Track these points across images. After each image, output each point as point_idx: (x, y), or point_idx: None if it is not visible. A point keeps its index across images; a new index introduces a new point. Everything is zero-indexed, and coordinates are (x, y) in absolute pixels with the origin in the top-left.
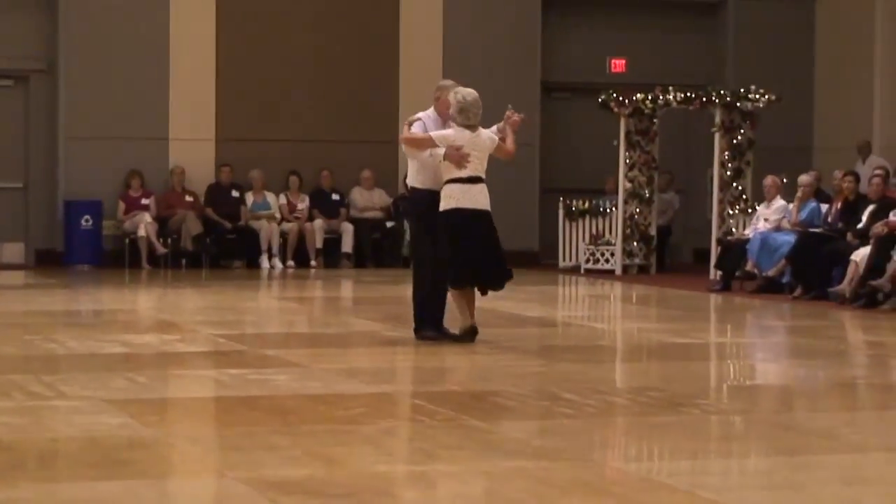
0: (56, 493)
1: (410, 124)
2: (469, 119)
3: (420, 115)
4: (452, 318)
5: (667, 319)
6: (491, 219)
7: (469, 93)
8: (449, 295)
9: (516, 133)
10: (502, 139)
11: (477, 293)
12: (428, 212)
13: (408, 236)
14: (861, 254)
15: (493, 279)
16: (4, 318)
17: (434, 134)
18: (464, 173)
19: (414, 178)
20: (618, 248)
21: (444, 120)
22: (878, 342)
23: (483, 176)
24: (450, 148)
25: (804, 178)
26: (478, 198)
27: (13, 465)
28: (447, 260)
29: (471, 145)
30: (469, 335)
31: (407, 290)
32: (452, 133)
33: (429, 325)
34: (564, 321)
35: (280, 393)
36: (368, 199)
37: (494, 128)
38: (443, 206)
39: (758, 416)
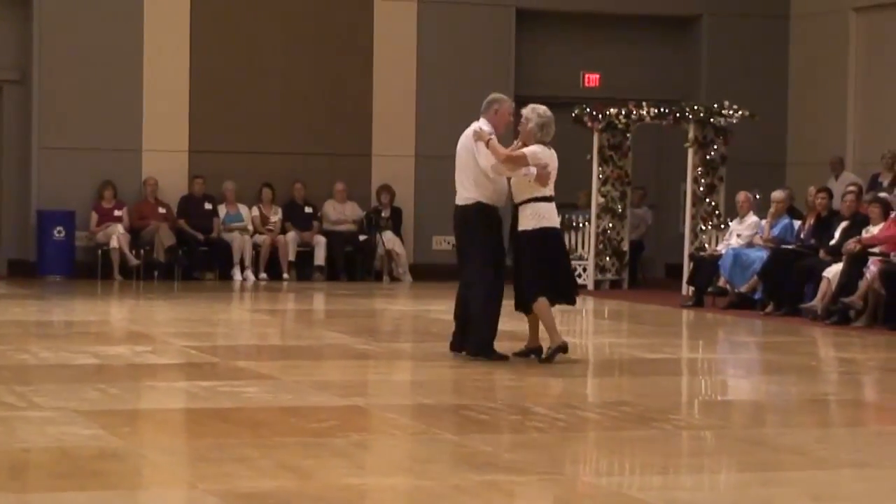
0: None
1: (489, 139)
2: (549, 135)
3: (484, 127)
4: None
5: (639, 334)
6: (563, 236)
7: (546, 109)
8: (540, 311)
9: None
10: None
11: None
12: (494, 228)
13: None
14: (833, 270)
15: (568, 295)
16: None
17: (527, 152)
18: (546, 192)
19: (482, 193)
20: (590, 263)
21: (498, 132)
22: (850, 359)
23: None
24: (541, 168)
25: (777, 195)
26: (556, 217)
27: None
28: (536, 279)
29: (552, 163)
30: (560, 350)
31: (378, 304)
32: (540, 150)
33: (488, 345)
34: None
35: (252, 405)
36: (341, 212)
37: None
38: (532, 224)
39: (729, 431)
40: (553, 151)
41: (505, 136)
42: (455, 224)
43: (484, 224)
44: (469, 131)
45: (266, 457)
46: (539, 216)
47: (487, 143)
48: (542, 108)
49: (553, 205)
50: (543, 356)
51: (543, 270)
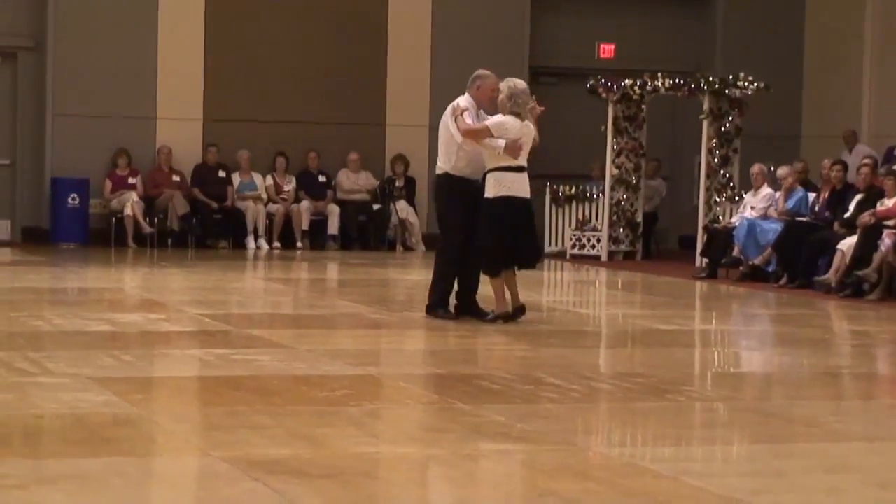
0: (41, 470)
1: (461, 114)
2: (518, 106)
3: (462, 102)
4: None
5: (652, 306)
6: (532, 206)
7: (519, 81)
8: (490, 279)
9: (537, 124)
10: None
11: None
12: (465, 199)
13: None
14: (847, 243)
15: (527, 260)
16: None
17: (491, 123)
18: (514, 162)
19: (451, 164)
20: (604, 234)
21: (480, 108)
22: (863, 332)
23: (526, 164)
24: (510, 140)
25: (782, 172)
26: (524, 186)
27: None
28: (490, 246)
29: (521, 134)
30: (503, 318)
31: (391, 273)
32: (509, 121)
33: (444, 304)
34: (549, 306)
35: (265, 373)
36: (355, 182)
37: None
38: (493, 192)
39: (742, 403)
40: (527, 122)
41: (492, 113)
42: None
43: (449, 193)
44: (449, 107)
45: (279, 425)
46: (500, 184)
47: (458, 118)
48: (515, 81)
49: (521, 175)
50: (488, 317)
51: (500, 237)
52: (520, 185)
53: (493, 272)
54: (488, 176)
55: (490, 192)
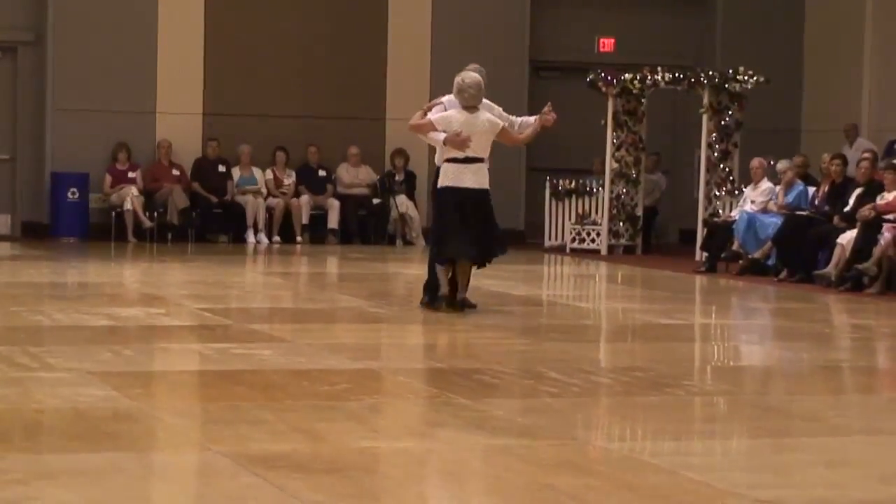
0: (41, 464)
1: (429, 109)
2: (466, 100)
3: (443, 99)
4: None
5: (652, 300)
6: (486, 197)
7: (469, 75)
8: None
9: (541, 129)
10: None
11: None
12: None
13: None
14: (847, 237)
15: (477, 255)
16: None
17: (435, 118)
18: (460, 154)
19: (439, 159)
20: (604, 228)
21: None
22: (863, 325)
23: (481, 156)
24: (451, 133)
25: (782, 166)
26: (471, 177)
27: None
28: (435, 236)
29: (467, 127)
30: (461, 304)
31: (391, 268)
32: (453, 115)
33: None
34: (550, 300)
35: (265, 368)
36: (355, 176)
37: (532, 118)
38: (440, 183)
39: (742, 397)
40: (477, 115)
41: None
42: None
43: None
44: None
45: (279, 419)
46: (445, 175)
47: (428, 111)
48: (465, 75)
49: (469, 166)
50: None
51: (444, 227)
52: (466, 176)
53: (438, 260)
54: (440, 168)
55: (439, 183)
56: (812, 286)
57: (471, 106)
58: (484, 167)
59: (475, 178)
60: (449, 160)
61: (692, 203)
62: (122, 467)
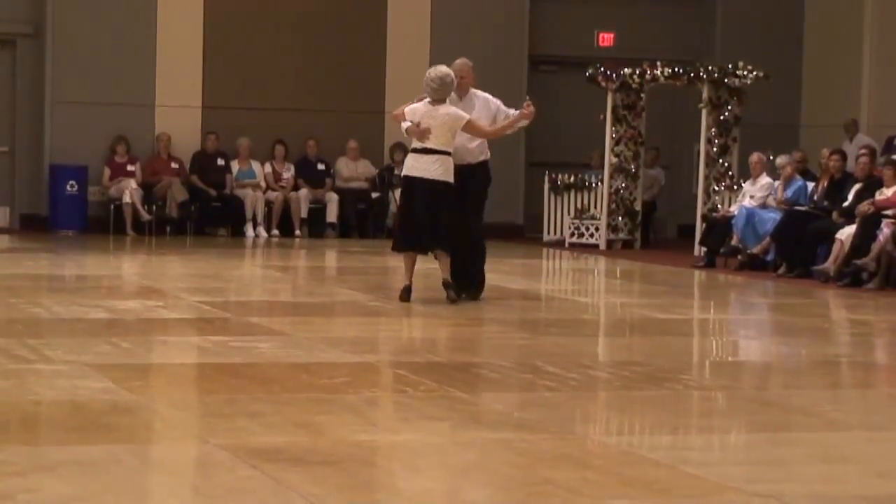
0: (39, 457)
1: (420, 100)
2: (431, 93)
3: None
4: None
5: (650, 294)
6: (442, 188)
7: (437, 69)
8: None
9: (517, 124)
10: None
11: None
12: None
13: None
14: (846, 232)
15: (427, 246)
16: None
17: (406, 109)
18: (417, 144)
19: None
20: (602, 223)
21: (459, 98)
22: (862, 321)
23: (440, 147)
24: (412, 124)
25: (781, 161)
26: (426, 167)
27: None
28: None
29: (427, 118)
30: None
31: (389, 261)
32: (418, 107)
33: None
34: (548, 294)
35: (263, 361)
36: (353, 170)
37: (513, 111)
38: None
39: (740, 392)
40: (438, 108)
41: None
42: None
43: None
44: None
45: (277, 412)
46: (404, 165)
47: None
48: (433, 68)
49: (424, 156)
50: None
51: (401, 215)
52: (420, 166)
53: (393, 248)
54: None
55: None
56: (811, 281)
57: (436, 99)
58: (446, 159)
59: (432, 168)
60: (412, 150)
61: (691, 198)
62: (120, 460)
